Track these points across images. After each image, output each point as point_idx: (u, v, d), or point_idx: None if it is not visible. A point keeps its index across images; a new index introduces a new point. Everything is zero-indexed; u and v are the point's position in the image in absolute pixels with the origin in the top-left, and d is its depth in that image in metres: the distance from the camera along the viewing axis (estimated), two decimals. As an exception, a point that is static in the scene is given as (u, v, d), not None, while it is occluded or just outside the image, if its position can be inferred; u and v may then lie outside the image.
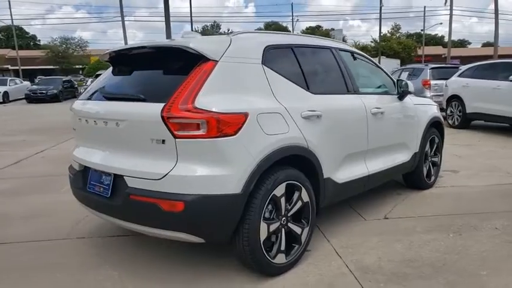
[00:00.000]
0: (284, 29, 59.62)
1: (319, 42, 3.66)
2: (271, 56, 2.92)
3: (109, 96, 2.86)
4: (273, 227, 2.71)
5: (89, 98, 3.05)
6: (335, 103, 3.31)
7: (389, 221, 3.87)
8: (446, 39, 49.56)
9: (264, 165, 2.56)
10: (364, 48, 53.43)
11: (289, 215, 2.83)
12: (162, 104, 2.41)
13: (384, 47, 47.67)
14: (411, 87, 4.13)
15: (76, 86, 27.61)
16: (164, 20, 10.51)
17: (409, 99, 4.33)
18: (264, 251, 2.64)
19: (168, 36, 10.86)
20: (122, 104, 2.68)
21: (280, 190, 2.70)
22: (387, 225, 3.76)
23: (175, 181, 2.40)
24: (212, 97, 2.46)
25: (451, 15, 33.48)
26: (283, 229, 2.79)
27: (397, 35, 53.66)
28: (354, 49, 4.02)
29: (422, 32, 54.67)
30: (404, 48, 48.12)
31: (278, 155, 2.66)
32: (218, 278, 2.78)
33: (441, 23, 57.42)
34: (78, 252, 3.28)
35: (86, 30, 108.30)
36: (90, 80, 27.58)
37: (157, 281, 2.78)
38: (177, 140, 2.38)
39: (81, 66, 49.00)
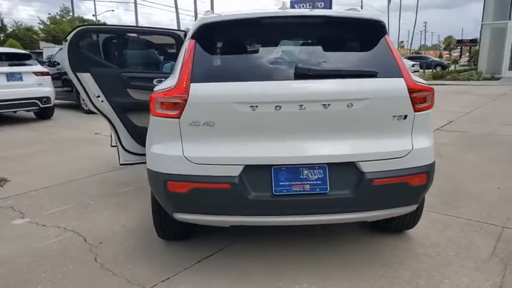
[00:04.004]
0: None
1: None
2: None
3: (313, 73, 2.25)
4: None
5: (245, 79, 2.29)
6: None
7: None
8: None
9: None
10: (30, 30, 48.18)
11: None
12: (400, 79, 2.33)
13: (56, 30, 44.97)
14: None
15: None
16: None
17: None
18: None
19: None
20: (355, 82, 2.28)
21: None
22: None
23: (419, 154, 2.39)
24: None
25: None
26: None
27: (68, 18, 51.07)
28: None
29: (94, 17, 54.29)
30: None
31: None
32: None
33: (113, 10, 58.87)
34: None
35: None
36: None
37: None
38: (416, 113, 2.37)
39: None
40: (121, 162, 3.98)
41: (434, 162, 2.52)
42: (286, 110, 2.22)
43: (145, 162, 4.08)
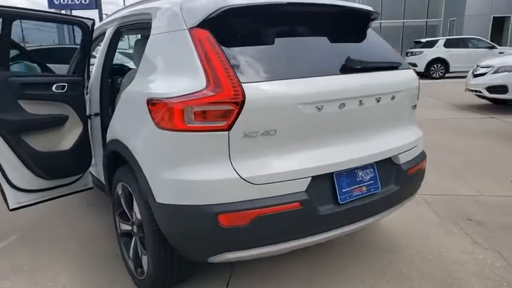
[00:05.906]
0: None
1: None
2: None
3: (363, 66, 2.07)
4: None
5: (294, 76, 1.89)
6: None
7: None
8: None
9: None
10: None
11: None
12: (410, 70, 2.46)
13: None
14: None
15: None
16: None
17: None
18: None
19: None
20: (395, 74, 2.28)
21: None
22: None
23: (421, 141, 2.57)
24: None
25: None
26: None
27: None
28: None
29: None
30: None
31: None
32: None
33: None
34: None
35: None
36: None
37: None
38: (417, 102, 2.54)
39: None
40: (12, 207, 2.74)
41: None
42: (349, 107, 2.02)
43: (47, 200, 2.95)
